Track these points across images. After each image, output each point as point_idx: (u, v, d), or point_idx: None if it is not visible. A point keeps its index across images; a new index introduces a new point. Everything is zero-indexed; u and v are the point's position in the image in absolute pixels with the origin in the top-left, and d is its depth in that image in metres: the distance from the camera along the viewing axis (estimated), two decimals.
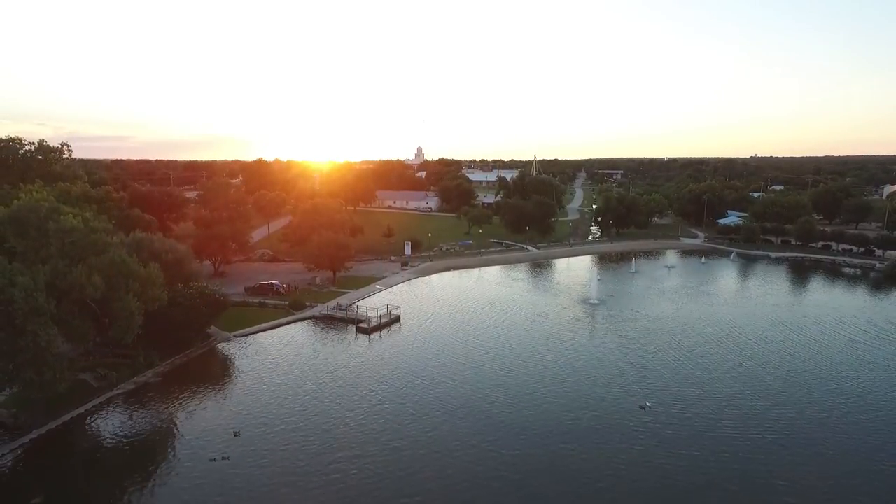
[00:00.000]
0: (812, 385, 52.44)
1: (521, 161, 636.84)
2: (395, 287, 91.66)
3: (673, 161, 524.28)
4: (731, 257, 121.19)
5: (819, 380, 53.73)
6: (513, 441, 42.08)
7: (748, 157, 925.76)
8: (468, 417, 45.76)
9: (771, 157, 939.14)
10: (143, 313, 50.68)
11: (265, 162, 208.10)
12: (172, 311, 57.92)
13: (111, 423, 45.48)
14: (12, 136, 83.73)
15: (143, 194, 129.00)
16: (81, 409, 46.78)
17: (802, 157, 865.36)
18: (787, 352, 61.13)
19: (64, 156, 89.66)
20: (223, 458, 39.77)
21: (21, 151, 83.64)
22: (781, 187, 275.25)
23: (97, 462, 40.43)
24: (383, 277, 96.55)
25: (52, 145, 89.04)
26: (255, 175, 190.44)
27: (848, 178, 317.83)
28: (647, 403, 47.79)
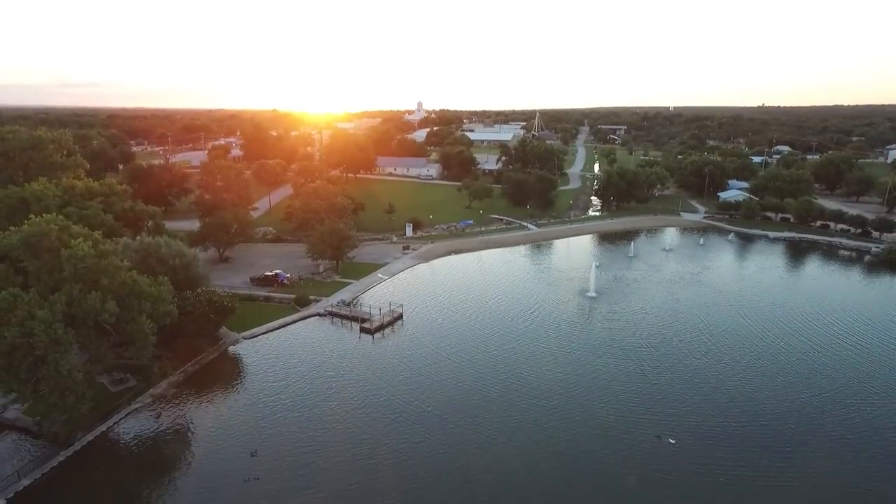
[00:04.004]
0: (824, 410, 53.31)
1: (523, 112, 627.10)
2: (397, 275, 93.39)
3: (678, 115, 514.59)
4: (729, 237, 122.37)
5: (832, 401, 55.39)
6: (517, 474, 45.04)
7: (756, 106, 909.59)
8: (465, 444, 48.56)
9: (779, 107, 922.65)
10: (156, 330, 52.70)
11: (264, 128, 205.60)
12: (183, 319, 59.99)
13: (134, 444, 48.35)
14: (9, 128, 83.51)
15: (145, 171, 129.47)
16: (104, 427, 49.57)
17: (810, 108, 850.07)
18: (786, 364, 63.24)
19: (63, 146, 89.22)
20: (255, 479, 42.97)
21: (22, 144, 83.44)
22: (787, 149, 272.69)
23: (125, 489, 43.13)
24: (385, 264, 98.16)
25: (50, 135, 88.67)
26: (255, 141, 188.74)
27: (854, 138, 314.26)
28: (671, 440, 47.11)
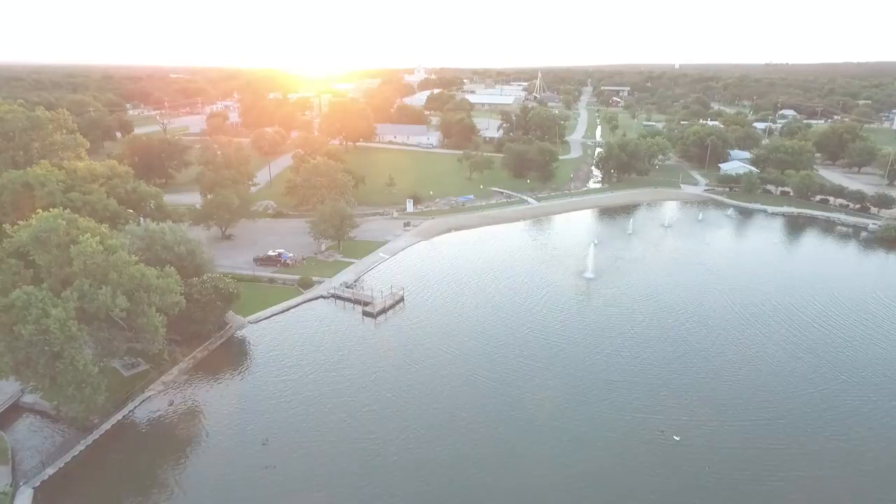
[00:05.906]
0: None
1: (525, 71, 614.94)
2: (398, 254, 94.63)
3: (683, 75, 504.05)
4: (728, 212, 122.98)
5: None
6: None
7: (762, 64, 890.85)
8: (457, 440, 50.96)
9: (786, 64, 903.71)
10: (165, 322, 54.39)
11: (262, 95, 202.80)
12: (190, 307, 61.51)
13: (150, 433, 50.80)
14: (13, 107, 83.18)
15: (145, 144, 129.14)
16: (120, 416, 51.86)
17: (818, 65, 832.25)
18: (786, 351, 65.31)
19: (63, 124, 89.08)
20: (273, 467, 45.63)
21: (21, 125, 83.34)
22: (792, 113, 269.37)
23: (144, 478, 45.51)
24: (386, 242, 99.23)
25: (49, 114, 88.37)
26: (253, 108, 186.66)
27: (861, 102, 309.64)
28: (675, 437, 47.74)
